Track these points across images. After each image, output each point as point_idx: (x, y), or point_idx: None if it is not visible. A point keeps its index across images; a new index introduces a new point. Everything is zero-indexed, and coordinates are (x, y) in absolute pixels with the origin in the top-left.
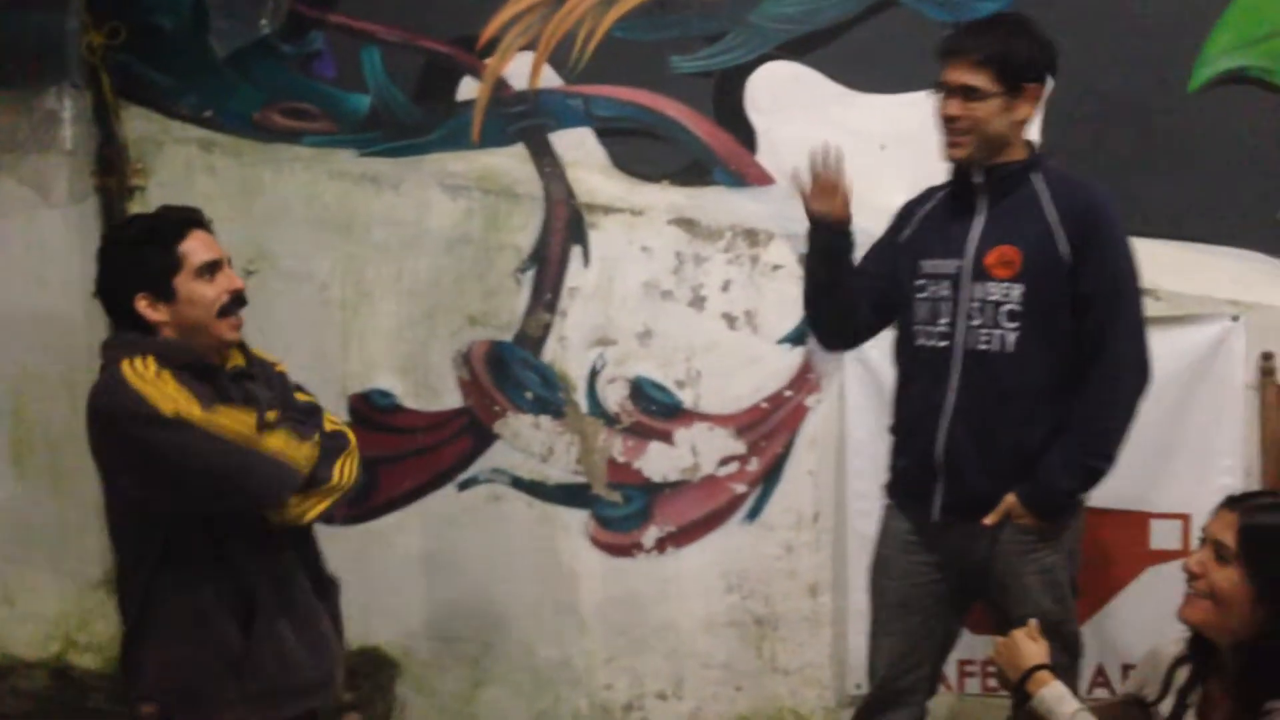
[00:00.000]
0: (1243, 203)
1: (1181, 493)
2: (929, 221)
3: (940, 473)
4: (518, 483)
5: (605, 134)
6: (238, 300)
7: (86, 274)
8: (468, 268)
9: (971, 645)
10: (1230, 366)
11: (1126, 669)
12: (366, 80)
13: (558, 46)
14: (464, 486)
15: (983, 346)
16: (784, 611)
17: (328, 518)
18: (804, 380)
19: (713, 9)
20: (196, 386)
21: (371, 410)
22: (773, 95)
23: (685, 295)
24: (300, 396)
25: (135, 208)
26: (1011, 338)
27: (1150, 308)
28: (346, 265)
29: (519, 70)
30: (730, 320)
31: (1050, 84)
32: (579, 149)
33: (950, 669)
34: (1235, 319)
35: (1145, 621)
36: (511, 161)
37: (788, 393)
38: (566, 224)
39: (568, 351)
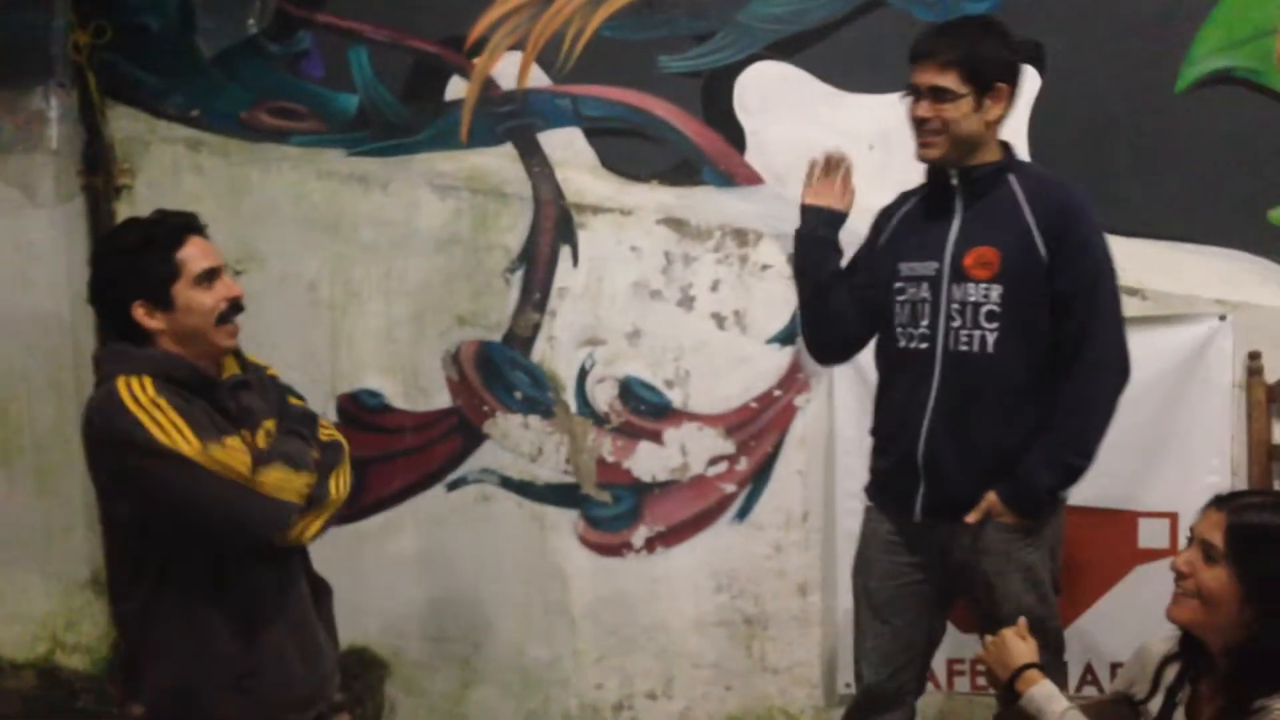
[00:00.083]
0: (1230, 203)
1: (1169, 491)
2: (906, 225)
3: (922, 474)
4: (507, 483)
5: (594, 134)
6: (235, 308)
7: (73, 274)
8: (456, 268)
9: (960, 644)
10: (1218, 366)
11: (1115, 667)
12: (354, 80)
13: (546, 46)
14: (453, 486)
15: (963, 347)
16: (773, 611)
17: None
18: (793, 380)
19: (701, 9)
20: (194, 411)
21: (360, 410)
22: (761, 95)
23: (674, 295)
24: (292, 401)
25: (122, 207)
26: (991, 338)
27: (1138, 307)
28: (335, 265)
29: (507, 70)
30: (719, 320)
31: (1038, 83)
32: (568, 149)
33: (939, 668)
34: (1223, 318)
35: (1133, 620)
36: (500, 161)
37: (777, 392)
38: (555, 224)
39: (557, 351)
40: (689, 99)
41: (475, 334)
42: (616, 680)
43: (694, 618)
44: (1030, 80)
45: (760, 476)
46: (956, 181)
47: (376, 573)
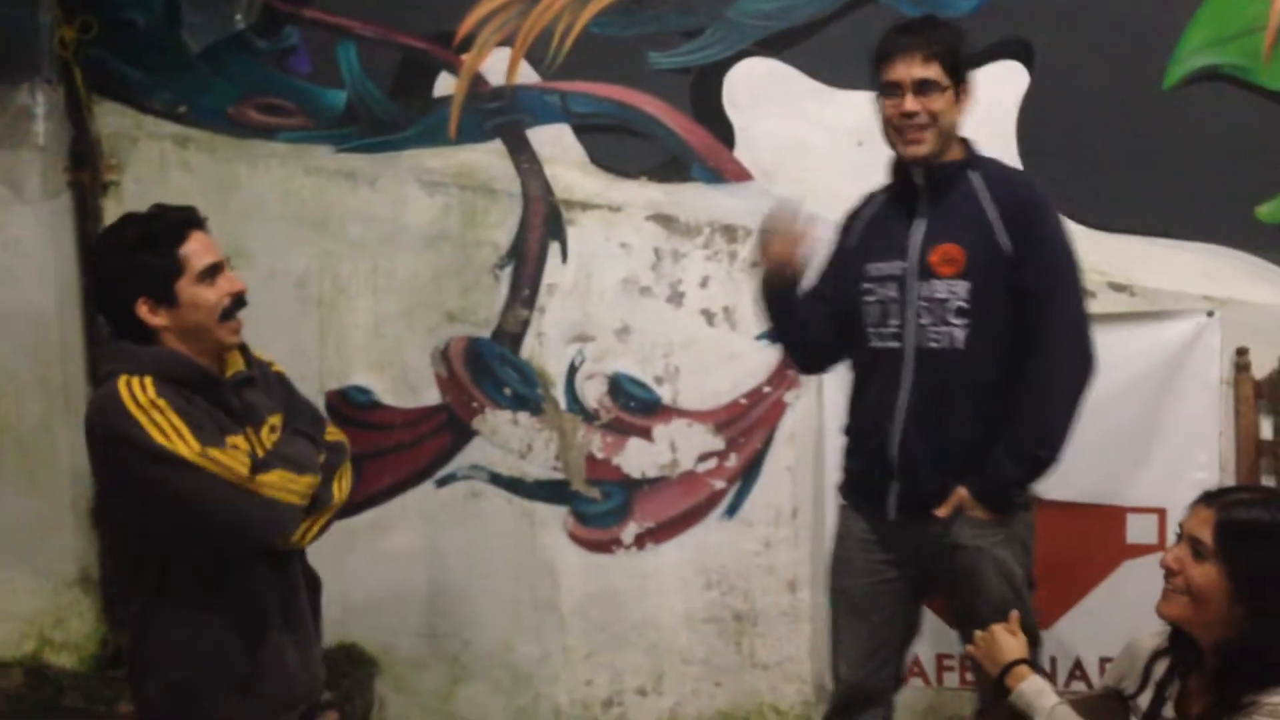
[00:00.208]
0: (1218, 199)
1: (1157, 487)
2: (872, 226)
3: (895, 472)
4: (496, 479)
5: (583, 130)
6: (239, 303)
7: (60, 271)
8: (445, 264)
9: (949, 639)
10: (1205, 362)
11: (1104, 662)
12: (342, 76)
13: (535, 42)
14: (442, 483)
15: (933, 344)
16: (763, 607)
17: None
18: (782, 376)
19: (690, 5)
20: (195, 411)
21: (349, 407)
22: (750, 91)
23: (663, 291)
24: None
25: (109, 203)
26: (960, 334)
27: (1126, 303)
28: (323, 262)
29: (496, 66)
30: (709, 316)
31: (1026, 80)
32: (556, 145)
33: (928, 663)
34: (1210, 314)
35: (1122, 615)
36: (489, 158)
37: (766, 388)
38: (544, 220)
39: (546, 348)
40: (678, 95)
41: (464, 330)
42: (606, 677)
43: (684, 614)
44: (1018, 78)
45: (750, 473)
46: (921, 180)
47: (365, 570)
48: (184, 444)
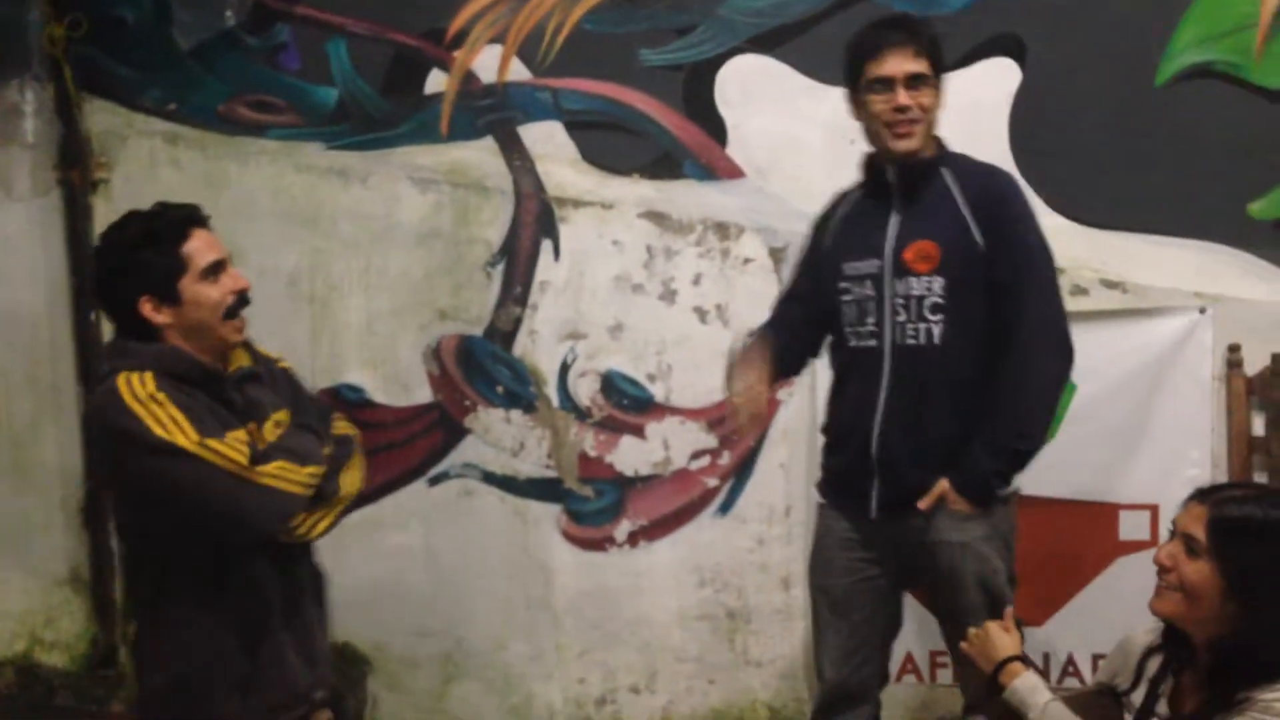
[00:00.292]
0: (1210, 196)
1: (1150, 484)
2: (846, 225)
3: (876, 470)
4: (489, 477)
5: (575, 127)
6: (243, 300)
7: (50, 269)
8: (437, 262)
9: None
10: (1198, 359)
11: (1096, 659)
12: (333, 73)
13: (526, 39)
14: (435, 481)
15: (911, 341)
16: (756, 604)
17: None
18: None
19: (682, 2)
20: (196, 405)
21: (341, 405)
22: (743, 89)
23: (656, 289)
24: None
25: (99, 201)
26: (937, 330)
27: (1118, 300)
28: (314, 259)
29: (487, 63)
30: (701, 314)
31: (1018, 77)
32: (549, 142)
33: (922, 660)
34: (1203, 311)
35: (1115, 611)
36: (481, 155)
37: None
38: (536, 217)
39: (538, 345)
40: (670, 92)
41: (456, 328)
42: (599, 675)
43: (677, 612)
44: (1010, 74)
45: (743, 470)
46: (894, 178)
47: (358, 568)
48: (183, 435)
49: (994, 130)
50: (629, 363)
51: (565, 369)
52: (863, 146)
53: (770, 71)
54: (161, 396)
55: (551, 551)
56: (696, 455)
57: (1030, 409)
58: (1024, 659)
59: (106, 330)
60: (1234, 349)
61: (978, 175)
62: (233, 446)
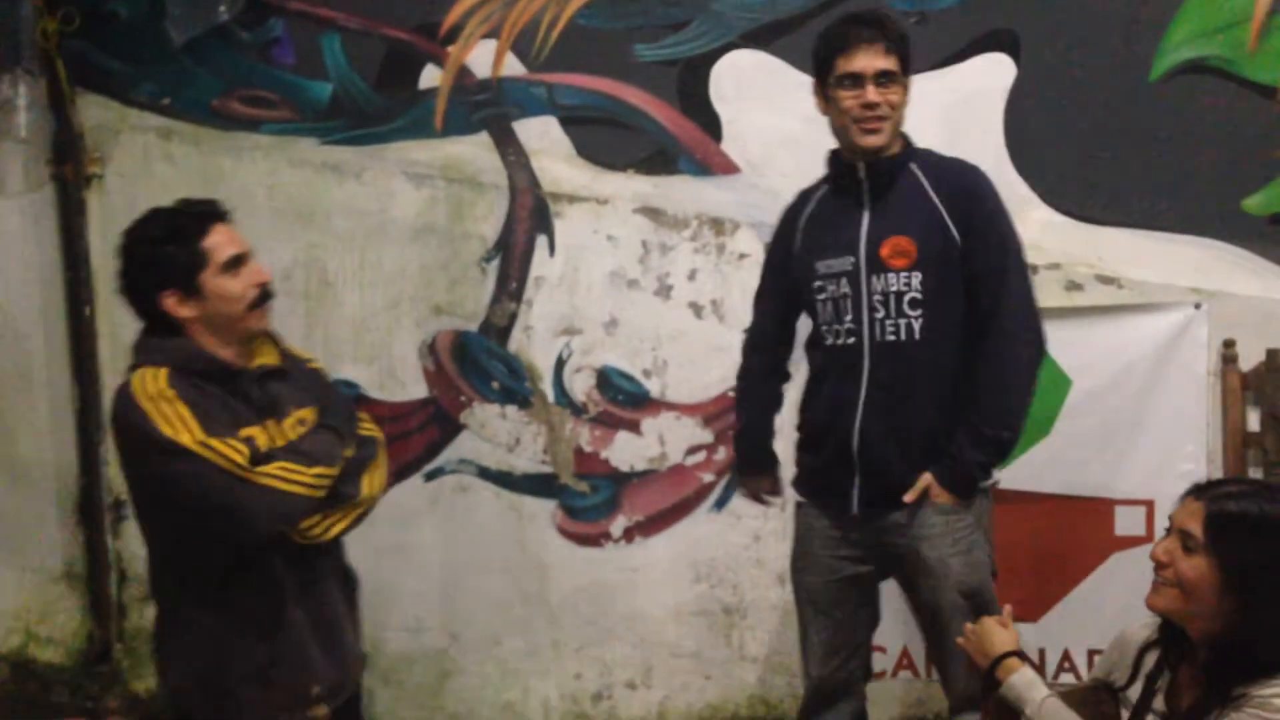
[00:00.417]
0: (1204, 191)
1: (1145, 479)
2: (814, 223)
3: (857, 467)
4: (485, 473)
5: (569, 122)
6: (266, 294)
7: (43, 264)
8: (432, 257)
9: None
10: (1193, 354)
11: (1092, 654)
12: (327, 68)
13: (521, 34)
14: (430, 477)
15: (891, 337)
16: (752, 600)
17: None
18: None
19: None
20: (208, 402)
21: None
22: (737, 84)
23: (651, 284)
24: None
25: (92, 197)
26: (917, 325)
27: (1113, 295)
28: (309, 255)
29: (482, 58)
30: (697, 309)
31: (1013, 72)
32: (543, 137)
33: (918, 656)
34: (1198, 307)
35: (1111, 607)
36: (475, 150)
37: None
38: (531, 213)
39: (534, 341)
40: (665, 87)
41: (451, 324)
42: (595, 670)
43: (673, 607)
44: (1005, 70)
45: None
46: (864, 175)
47: (354, 563)
48: (187, 433)
49: (989, 125)
50: (624, 358)
51: (561, 364)
52: None
53: (765, 67)
54: (171, 393)
55: (547, 547)
56: (692, 451)
57: (1013, 399)
58: (1020, 654)
59: (101, 327)
60: (1229, 344)
61: (949, 170)
62: (233, 447)
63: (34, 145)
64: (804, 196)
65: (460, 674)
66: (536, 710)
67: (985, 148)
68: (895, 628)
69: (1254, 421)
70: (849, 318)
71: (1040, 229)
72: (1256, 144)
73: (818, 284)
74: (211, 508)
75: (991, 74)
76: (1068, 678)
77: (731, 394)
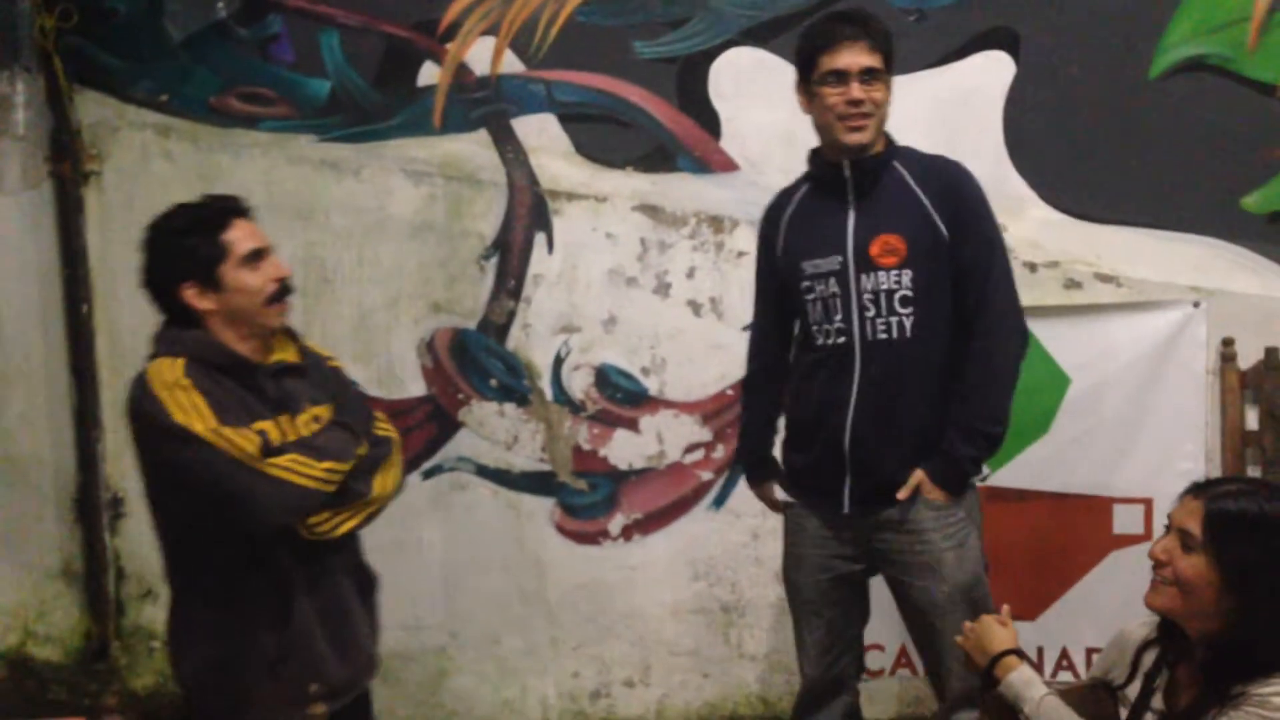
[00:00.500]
0: (1204, 190)
1: (1144, 477)
2: (797, 223)
3: (848, 466)
4: (483, 471)
5: (568, 120)
6: (285, 289)
7: (40, 261)
8: (430, 254)
9: None
10: (1192, 352)
11: (1091, 652)
12: (325, 65)
13: (519, 31)
14: (428, 475)
15: (882, 336)
16: (751, 598)
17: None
18: None
19: None
20: (223, 394)
21: None
22: (736, 81)
23: (650, 282)
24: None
25: (90, 194)
26: (909, 323)
27: (1113, 294)
28: (307, 252)
29: (480, 55)
30: (695, 307)
31: (1012, 70)
32: (542, 135)
33: (915, 654)
34: (1197, 305)
35: (1109, 605)
36: (474, 147)
37: None
38: (530, 210)
39: (532, 339)
40: (664, 85)
41: (450, 321)
42: (593, 668)
43: (671, 605)
44: (1005, 67)
45: (737, 464)
46: (849, 173)
47: None
48: (200, 420)
49: (988, 123)
50: (623, 356)
51: (559, 362)
52: None
53: (764, 64)
54: (186, 382)
55: (545, 545)
56: (690, 449)
57: (1001, 394)
58: (1019, 653)
59: (99, 324)
60: (1228, 343)
61: (933, 166)
62: (246, 437)
63: (32, 142)
64: (785, 196)
65: (458, 672)
66: (535, 708)
67: (984, 146)
68: (893, 626)
69: (1253, 420)
70: (839, 317)
71: (1039, 227)
72: (1255, 142)
73: (805, 284)
74: (222, 495)
75: (990, 72)
76: (1066, 676)
77: (730, 391)
